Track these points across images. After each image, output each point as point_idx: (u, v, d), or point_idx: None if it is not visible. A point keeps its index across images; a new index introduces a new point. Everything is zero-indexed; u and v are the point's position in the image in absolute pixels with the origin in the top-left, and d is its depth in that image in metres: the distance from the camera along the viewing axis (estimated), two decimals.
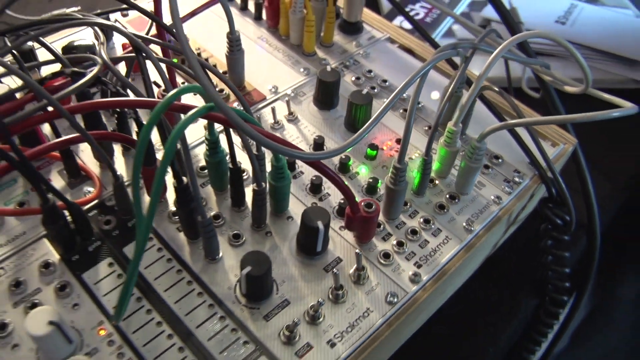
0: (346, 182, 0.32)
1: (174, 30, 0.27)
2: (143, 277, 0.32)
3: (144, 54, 0.32)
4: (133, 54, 0.33)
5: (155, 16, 0.35)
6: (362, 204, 0.32)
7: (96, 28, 0.40)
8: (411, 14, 0.64)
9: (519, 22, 0.62)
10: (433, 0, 0.50)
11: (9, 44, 0.35)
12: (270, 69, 0.45)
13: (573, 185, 0.44)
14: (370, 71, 0.45)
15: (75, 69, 0.32)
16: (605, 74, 0.59)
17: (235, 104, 0.40)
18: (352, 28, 0.49)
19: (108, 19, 0.44)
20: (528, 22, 0.64)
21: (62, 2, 0.69)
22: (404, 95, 0.44)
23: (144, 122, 0.31)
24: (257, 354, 0.29)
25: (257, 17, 0.49)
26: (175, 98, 0.25)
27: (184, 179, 0.30)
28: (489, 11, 0.65)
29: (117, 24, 0.34)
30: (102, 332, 0.30)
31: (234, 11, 0.50)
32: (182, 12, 0.42)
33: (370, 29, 0.50)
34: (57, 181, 0.37)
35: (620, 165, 0.54)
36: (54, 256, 0.33)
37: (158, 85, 0.39)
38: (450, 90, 0.36)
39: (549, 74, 0.40)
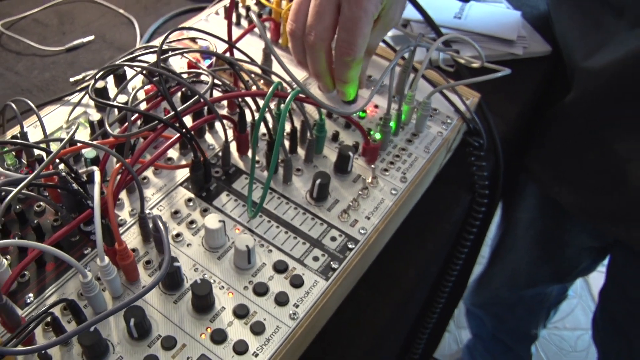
0: (349, 133, 0.55)
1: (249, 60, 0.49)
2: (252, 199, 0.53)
3: (236, 67, 0.53)
4: (227, 66, 0.54)
5: (231, 42, 0.57)
6: (370, 139, 0.56)
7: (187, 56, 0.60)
8: None
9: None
10: None
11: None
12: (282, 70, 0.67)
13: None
14: None
15: (194, 80, 0.53)
16: (491, 51, 0.86)
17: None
18: None
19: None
20: (434, 18, 0.90)
21: (74, 34, 0.87)
22: (373, 76, 0.67)
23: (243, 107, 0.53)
24: (329, 228, 0.52)
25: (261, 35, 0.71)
26: (275, 88, 0.47)
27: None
28: (407, 14, 0.90)
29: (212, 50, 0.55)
30: (237, 231, 0.51)
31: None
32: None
33: None
34: (172, 153, 0.57)
35: (508, 107, 0.81)
36: (190, 194, 0.53)
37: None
38: (407, 71, 0.61)
39: (461, 57, 0.65)
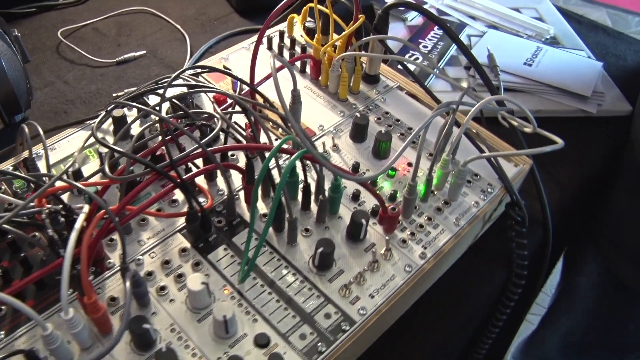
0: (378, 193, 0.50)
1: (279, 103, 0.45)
2: (249, 256, 0.49)
3: (249, 113, 0.49)
4: (240, 110, 0.50)
5: (252, 85, 0.53)
6: (389, 207, 0.50)
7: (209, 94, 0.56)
8: (412, 59, 0.82)
9: (494, 66, 0.80)
10: (422, 63, 0.68)
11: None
12: (316, 112, 0.62)
13: (533, 192, 0.63)
14: (387, 113, 0.63)
15: (204, 122, 0.50)
16: (560, 106, 0.77)
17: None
18: (372, 79, 0.66)
19: (197, 75, 0.62)
20: (502, 64, 0.82)
21: (128, 46, 0.87)
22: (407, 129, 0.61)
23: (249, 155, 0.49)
24: (325, 302, 0.47)
25: (302, 70, 0.67)
26: (282, 144, 0.43)
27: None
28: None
29: (226, 90, 0.51)
30: (226, 292, 0.47)
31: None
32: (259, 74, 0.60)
33: (385, 79, 0.68)
34: (179, 195, 0.54)
35: (571, 172, 0.72)
36: (187, 244, 0.50)
37: (244, 128, 0.56)
38: (444, 132, 0.54)
39: (513, 119, 0.57)
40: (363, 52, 0.61)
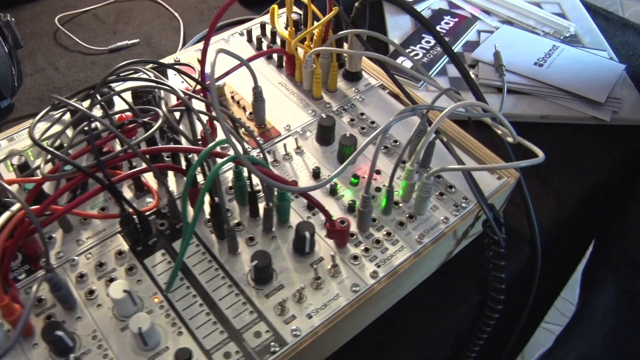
0: (332, 203, 0.46)
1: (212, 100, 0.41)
2: (185, 263, 0.46)
3: (192, 112, 0.46)
4: (184, 108, 0.47)
5: (201, 82, 0.49)
6: (338, 220, 0.46)
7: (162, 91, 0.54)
8: (412, 54, 0.77)
9: (500, 65, 0.74)
10: (419, 73, 0.63)
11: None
12: (286, 110, 0.58)
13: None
14: (362, 114, 0.58)
15: (145, 120, 0.47)
16: (571, 111, 0.70)
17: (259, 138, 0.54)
18: (353, 76, 0.62)
19: (165, 72, 0.59)
20: (510, 64, 0.75)
21: (124, 34, 0.85)
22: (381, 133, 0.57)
23: (190, 158, 0.46)
24: (258, 319, 0.43)
25: (279, 66, 0.63)
26: (213, 148, 0.40)
27: (216, 199, 0.45)
28: (479, 53, 0.77)
29: (174, 88, 0.48)
30: (156, 300, 0.45)
31: (261, 60, 0.64)
32: (221, 70, 0.56)
33: (368, 76, 0.63)
34: (127, 193, 0.51)
35: (578, 183, 0.65)
36: (125, 247, 0.48)
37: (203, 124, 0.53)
38: (410, 137, 0.49)
39: (496, 127, 0.52)
40: (338, 48, 0.56)
